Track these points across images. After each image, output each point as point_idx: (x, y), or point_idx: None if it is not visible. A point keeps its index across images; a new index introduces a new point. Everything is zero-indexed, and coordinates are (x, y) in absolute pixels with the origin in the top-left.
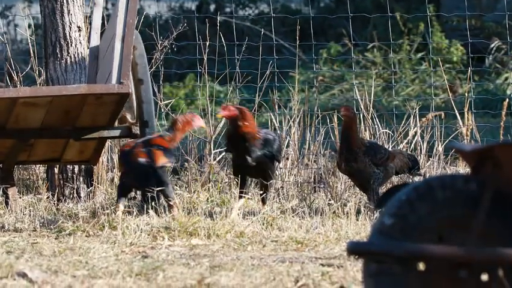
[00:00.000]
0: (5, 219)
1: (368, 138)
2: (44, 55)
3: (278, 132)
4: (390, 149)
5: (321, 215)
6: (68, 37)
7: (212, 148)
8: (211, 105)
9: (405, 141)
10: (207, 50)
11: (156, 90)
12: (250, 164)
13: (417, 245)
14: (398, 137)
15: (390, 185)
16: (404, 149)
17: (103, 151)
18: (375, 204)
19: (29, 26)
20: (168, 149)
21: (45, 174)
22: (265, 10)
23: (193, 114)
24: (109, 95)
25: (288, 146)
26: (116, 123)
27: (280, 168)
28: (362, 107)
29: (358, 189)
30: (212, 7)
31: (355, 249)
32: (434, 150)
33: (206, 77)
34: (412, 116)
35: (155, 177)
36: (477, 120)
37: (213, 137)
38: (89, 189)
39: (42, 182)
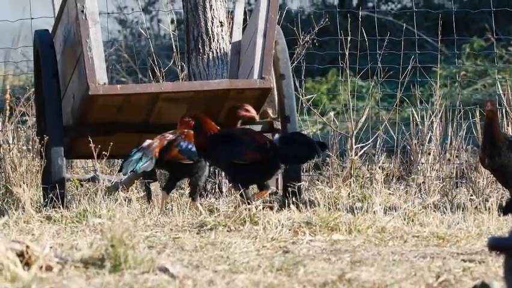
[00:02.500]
0: (147, 214)
1: (511, 133)
2: (186, 50)
3: (420, 127)
4: None
5: (462, 211)
6: (210, 32)
7: (354, 143)
8: (353, 100)
9: None
10: (348, 45)
11: (298, 85)
12: None
13: None
14: None
15: None
16: None
17: None
18: (503, 209)
19: (172, 21)
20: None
21: None
22: (408, 5)
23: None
24: (251, 90)
25: (430, 141)
26: (257, 118)
27: (422, 163)
28: (505, 102)
29: (500, 184)
30: (354, 2)
31: (496, 244)
32: None
33: (348, 72)
34: None
35: None
36: None
37: (355, 132)
38: (230, 184)
39: None
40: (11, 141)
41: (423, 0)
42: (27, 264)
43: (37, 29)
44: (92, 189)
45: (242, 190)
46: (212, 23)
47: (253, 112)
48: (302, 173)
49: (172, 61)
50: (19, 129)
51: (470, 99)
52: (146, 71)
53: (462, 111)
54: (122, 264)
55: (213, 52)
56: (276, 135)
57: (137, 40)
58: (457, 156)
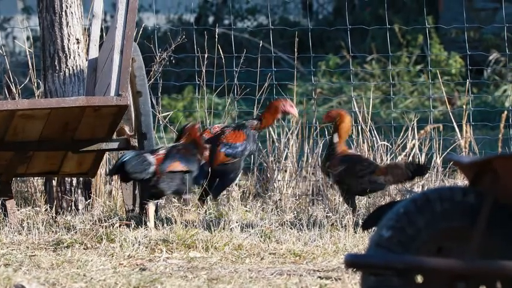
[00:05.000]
0: (3, 232)
1: (366, 151)
2: (42, 67)
3: (276, 144)
4: (388, 161)
5: (319, 228)
6: (66, 49)
7: None
8: (209, 117)
9: (404, 153)
10: (205, 62)
11: (154, 102)
12: None
13: (416, 257)
14: (396, 149)
15: (377, 206)
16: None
17: (101, 163)
18: (362, 224)
19: (28, 38)
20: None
21: (43, 187)
22: (264, 22)
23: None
24: (108, 107)
25: (286, 159)
26: (114, 136)
27: (279, 180)
28: (360, 119)
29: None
30: (211, 19)
31: (353, 261)
32: (433, 162)
33: (204, 89)
34: (410, 128)
35: None
36: (475, 133)
37: None
38: (87, 202)
39: (41, 195)
40: None
41: (279, 17)
42: None
43: None
44: None
45: None
46: (68, 40)
47: (295, 111)
48: None
49: (27, 78)
50: None
51: None
52: (1, 89)
53: (318, 128)
54: None
55: (69, 69)
56: None
57: None
58: (313, 174)
